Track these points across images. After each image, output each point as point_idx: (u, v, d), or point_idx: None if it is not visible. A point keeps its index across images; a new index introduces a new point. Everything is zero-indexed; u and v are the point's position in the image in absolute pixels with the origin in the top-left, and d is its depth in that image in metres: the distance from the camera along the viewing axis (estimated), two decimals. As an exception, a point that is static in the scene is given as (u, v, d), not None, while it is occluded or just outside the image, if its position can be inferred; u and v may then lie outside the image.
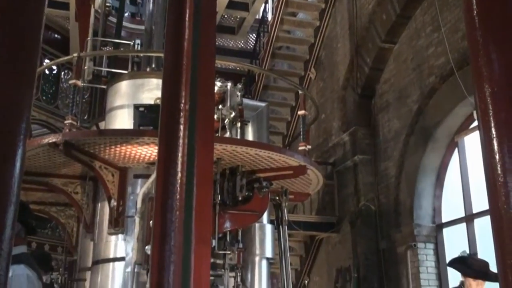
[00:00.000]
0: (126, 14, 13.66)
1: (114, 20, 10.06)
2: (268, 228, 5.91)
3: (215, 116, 5.37)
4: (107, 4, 8.04)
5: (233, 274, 5.20)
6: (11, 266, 1.42)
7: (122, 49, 7.85)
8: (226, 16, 15.18)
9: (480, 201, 7.61)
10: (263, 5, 14.73)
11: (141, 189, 5.23)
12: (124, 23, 11.48)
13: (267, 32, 13.76)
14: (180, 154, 1.93)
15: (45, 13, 1.64)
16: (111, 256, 5.43)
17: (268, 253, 5.83)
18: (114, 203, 5.39)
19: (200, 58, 2.08)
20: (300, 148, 6.29)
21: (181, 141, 1.94)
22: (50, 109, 12.29)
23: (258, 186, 5.45)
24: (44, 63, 10.40)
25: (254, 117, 6.14)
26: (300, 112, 6.60)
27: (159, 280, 1.81)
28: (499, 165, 1.55)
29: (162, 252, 1.83)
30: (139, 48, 6.87)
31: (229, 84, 5.76)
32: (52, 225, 12.03)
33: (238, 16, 15.21)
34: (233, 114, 5.70)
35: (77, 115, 5.88)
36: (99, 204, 5.77)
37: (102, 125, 6.53)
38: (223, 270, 5.10)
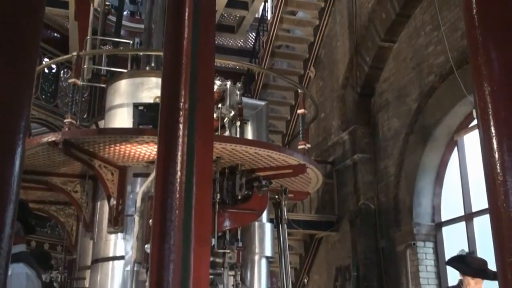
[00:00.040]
0: (125, 13, 13.64)
1: (113, 19, 10.04)
2: (268, 226, 5.91)
3: (215, 115, 5.37)
4: (107, 3, 8.02)
5: (232, 272, 5.20)
6: (10, 264, 1.42)
7: (121, 48, 7.85)
8: (225, 14, 15.17)
9: (480, 199, 7.61)
10: (263, 3, 14.72)
11: (140, 188, 5.23)
12: (124, 22, 11.44)
13: (267, 30, 13.76)
14: (179, 153, 1.93)
15: (45, 12, 1.64)
16: (111, 254, 5.43)
17: (268, 251, 5.83)
18: (113, 201, 5.39)
19: (200, 57, 2.08)
20: (300, 147, 6.29)
21: (180, 140, 1.94)
22: (49, 108, 12.29)
23: (258, 185, 5.45)
24: (44, 62, 10.39)
25: (254, 116, 6.14)
26: (300, 111, 6.60)
27: (159, 279, 1.81)
28: (498, 164, 1.56)
29: (161, 251, 1.83)
30: (138, 47, 6.87)
31: (228, 83, 5.76)
32: (51, 224, 12.02)
33: (238, 15, 15.20)
34: (233, 113, 5.69)
35: (76, 114, 5.88)
36: (99, 203, 5.77)
37: (101, 124, 6.52)
38: (222, 268, 5.10)
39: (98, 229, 5.65)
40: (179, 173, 1.90)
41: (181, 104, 1.99)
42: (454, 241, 8.17)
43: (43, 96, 12.32)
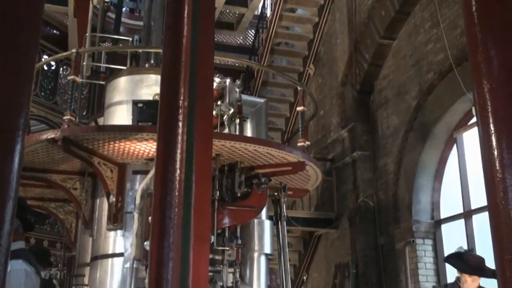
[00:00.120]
0: (124, 10, 13.63)
1: (112, 16, 10.04)
2: (267, 224, 5.91)
3: (214, 112, 5.37)
4: (106, 0, 8.02)
5: (231, 270, 5.20)
6: (9, 261, 1.42)
7: (120, 45, 7.84)
8: (225, 12, 15.16)
9: (479, 197, 7.62)
10: (262, 1, 14.71)
11: (140, 185, 5.23)
12: (123, 19, 11.45)
13: (266, 28, 13.75)
14: (179, 151, 1.93)
15: (44, 9, 1.64)
16: (110, 252, 5.44)
17: (267, 249, 5.84)
18: (113, 199, 5.39)
19: (199, 54, 2.07)
20: (299, 144, 6.29)
21: (180, 137, 1.94)
22: (48, 105, 12.28)
23: (257, 182, 5.45)
24: (43, 59, 10.37)
25: (253, 113, 6.14)
26: (299, 108, 6.59)
27: (158, 277, 1.81)
28: (497, 161, 1.56)
29: (160, 249, 1.83)
30: (137, 44, 6.86)
31: (228, 80, 5.76)
32: (51, 221, 12.03)
33: (237, 12, 15.18)
34: (232, 110, 5.69)
35: (75, 111, 5.87)
36: (98, 200, 5.77)
37: (100, 121, 6.52)
38: (222, 266, 5.11)
39: (97, 226, 5.65)
40: (178, 171, 1.90)
41: (181, 101, 1.99)
42: (453, 239, 8.17)
43: (42, 93, 12.32)
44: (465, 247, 5.84)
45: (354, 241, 9.54)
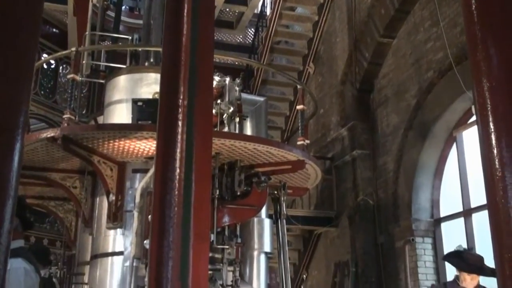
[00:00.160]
0: (124, 9, 13.62)
1: (112, 14, 10.03)
2: (267, 222, 5.91)
3: (214, 111, 5.37)
4: (105, -2, 8.02)
5: (231, 268, 5.20)
6: (9, 259, 1.42)
7: (120, 43, 7.84)
8: (224, 10, 15.15)
9: (478, 195, 7.62)
10: (262, -1, 14.71)
11: (139, 184, 5.23)
12: (122, 18, 11.45)
13: (266, 26, 13.74)
14: (178, 149, 1.92)
15: (44, 7, 1.64)
16: (110, 250, 5.44)
17: (267, 247, 5.84)
18: (112, 197, 5.39)
19: (199, 53, 2.07)
20: (299, 142, 6.29)
21: (179, 136, 1.94)
22: (48, 103, 12.27)
23: (257, 181, 5.45)
24: (42, 58, 10.37)
25: (253, 112, 6.14)
26: (299, 107, 6.59)
27: (158, 275, 1.81)
28: (497, 160, 1.56)
29: (160, 248, 1.83)
30: (137, 42, 6.86)
31: (227, 79, 5.76)
32: (50, 220, 12.03)
33: (237, 11, 15.17)
34: (232, 109, 5.69)
35: (75, 110, 5.88)
36: (98, 199, 5.77)
37: (100, 120, 6.52)
38: (221, 264, 5.11)
39: (97, 224, 5.65)
40: (178, 170, 1.90)
41: (180, 100, 1.99)
42: (452, 237, 8.18)
43: (42, 92, 12.31)
44: (465, 245, 5.85)
45: (353, 239, 9.54)
